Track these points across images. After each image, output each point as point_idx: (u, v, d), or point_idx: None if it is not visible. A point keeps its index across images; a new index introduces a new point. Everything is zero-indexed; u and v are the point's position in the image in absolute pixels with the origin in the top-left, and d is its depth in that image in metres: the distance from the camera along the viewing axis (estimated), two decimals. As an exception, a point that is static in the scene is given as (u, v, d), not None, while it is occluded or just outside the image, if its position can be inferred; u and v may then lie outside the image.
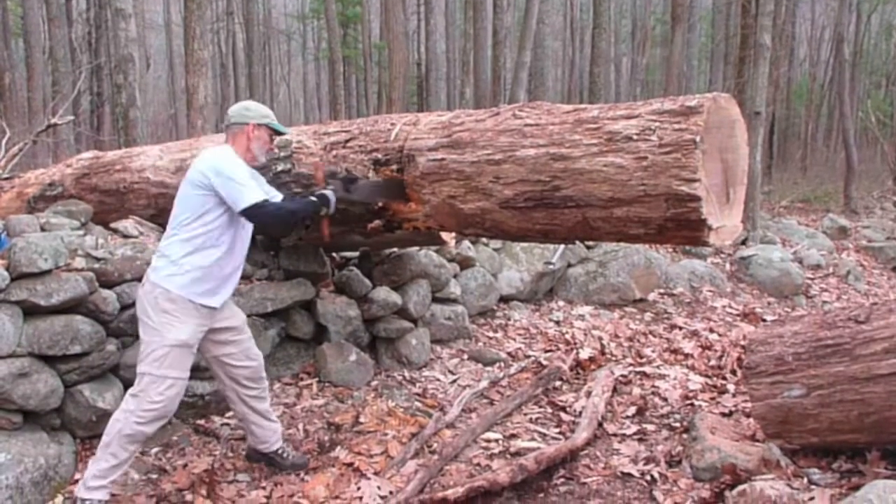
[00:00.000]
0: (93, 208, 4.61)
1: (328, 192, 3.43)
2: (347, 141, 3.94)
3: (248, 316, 4.21)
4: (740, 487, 3.01)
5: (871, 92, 27.03)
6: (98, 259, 3.78)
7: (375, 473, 3.56)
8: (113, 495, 3.22)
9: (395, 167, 3.69)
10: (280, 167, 4.03)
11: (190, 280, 3.12)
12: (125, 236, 4.29)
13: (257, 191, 3.20)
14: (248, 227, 3.37)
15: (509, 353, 5.53)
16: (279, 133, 3.51)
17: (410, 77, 21.04)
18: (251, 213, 3.16)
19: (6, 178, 5.81)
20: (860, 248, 10.81)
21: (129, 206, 4.76)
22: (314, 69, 33.05)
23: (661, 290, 7.50)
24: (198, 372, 3.70)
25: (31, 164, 8.99)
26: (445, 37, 28.44)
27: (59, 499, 3.26)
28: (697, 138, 2.70)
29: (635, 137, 2.85)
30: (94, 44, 16.36)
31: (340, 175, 3.67)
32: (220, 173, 3.13)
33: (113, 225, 4.42)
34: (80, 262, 3.68)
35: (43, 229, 4.04)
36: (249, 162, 3.35)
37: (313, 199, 3.40)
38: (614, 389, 4.71)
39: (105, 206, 4.84)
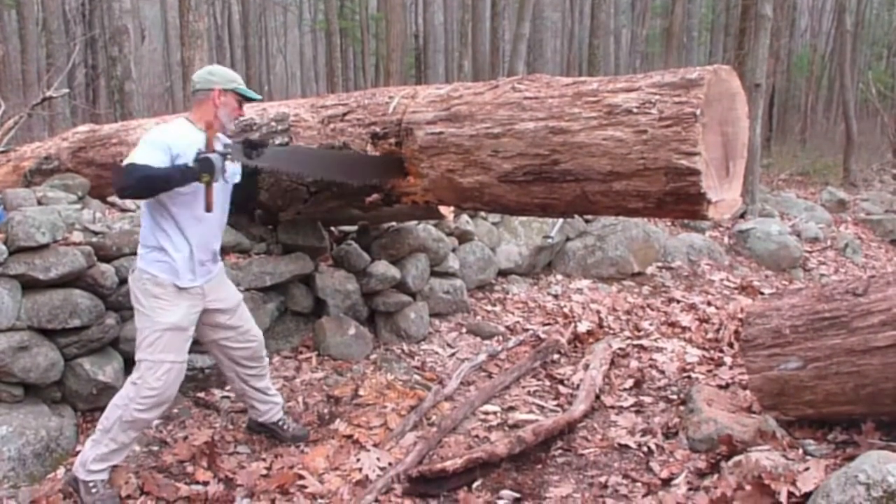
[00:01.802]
0: (90, 182, 4.60)
1: (213, 157, 2.93)
2: (345, 114, 3.91)
3: (247, 290, 4.22)
4: (736, 458, 3.04)
5: (872, 63, 26.86)
6: (96, 233, 3.77)
7: (375, 445, 3.59)
8: (116, 466, 3.25)
9: (393, 140, 3.67)
10: (278, 140, 4.01)
11: (169, 262, 3.05)
12: (123, 210, 4.29)
13: (142, 155, 2.89)
14: (218, 200, 3.13)
15: (508, 327, 5.55)
16: (248, 99, 3.28)
17: (408, 49, 20.86)
18: (119, 173, 2.87)
19: (2, 152, 5.79)
20: (858, 220, 10.81)
21: (127, 179, 4.74)
22: (311, 41, 32.74)
23: (660, 264, 7.51)
24: (197, 346, 3.72)
25: (27, 137, 8.94)
26: (443, 8, 28.19)
27: (61, 470, 3.28)
28: (698, 111, 2.68)
29: (635, 111, 2.83)
30: (87, 15, 16.16)
31: (243, 137, 3.32)
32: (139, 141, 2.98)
33: (110, 199, 4.41)
34: (77, 236, 3.68)
35: (40, 203, 4.03)
36: (217, 130, 3.10)
37: (190, 164, 2.93)
38: (612, 362, 4.74)
39: (102, 180, 4.82)
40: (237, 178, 3.30)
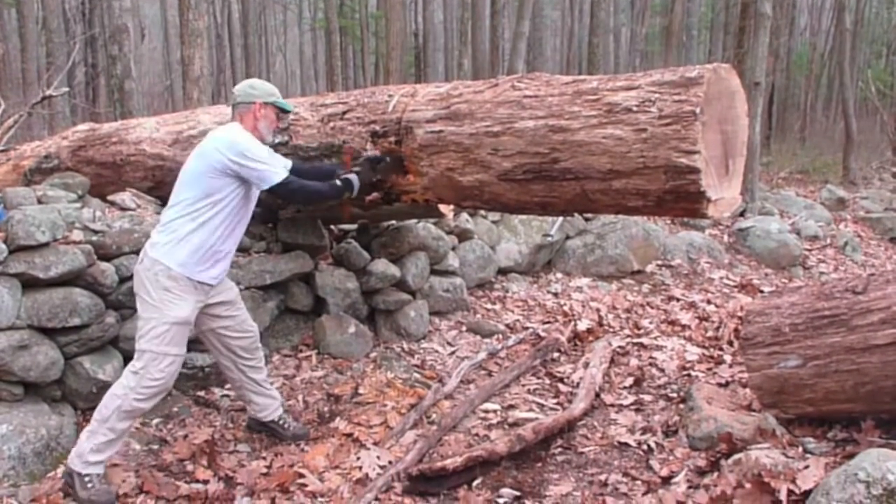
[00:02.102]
0: (90, 181, 4.58)
1: (352, 177, 3.50)
2: (345, 113, 3.91)
3: (247, 288, 4.23)
4: (736, 456, 3.04)
5: (871, 62, 26.83)
6: (96, 232, 3.78)
7: (375, 444, 3.59)
8: (115, 465, 3.26)
9: (392, 139, 3.67)
10: (277, 139, 4.01)
11: (192, 258, 3.10)
12: (123, 209, 4.28)
13: (280, 167, 3.25)
14: (250, 207, 3.36)
15: (507, 325, 5.55)
16: (285, 111, 3.48)
17: (408, 48, 20.85)
18: (278, 190, 3.23)
19: (2, 151, 5.78)
20: (858, 219, 10.80)
21: (127, 178, 4.74)
22: (311, 39, 32.71)
23: (659, 262, 7.51)
24: (197, 344, 3.72)
25: (27, 136, 8.93)
26: (443, 6, 28.19)
27: (61, 469, 3.28)
28: (697, 110, 2.69)
29: (635, 109, 2.83)
30: (87, 14, 16.13)
31: (367, 155, 3.68)
32: (243, 154, 3.12)
33: (110, 197, 4.40)
34: (77, 235, 3.68)
35: (40, 202, 4.02)
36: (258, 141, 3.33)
37: (339, 183, 3.48)
38: (612, 360, 4.74)
39: (102, 179, 4.82)
40: None
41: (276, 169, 3.21)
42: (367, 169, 3.61)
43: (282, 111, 3.45)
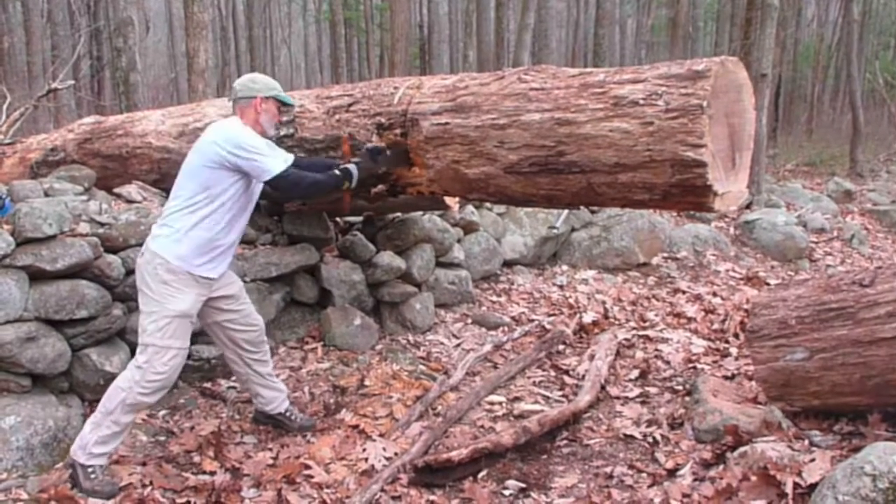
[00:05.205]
0: (96, 173, 4.60)
1: (351, 167, 3.46)
2: (350, 105, 3.91)
3: (253, 281, 4.24)
4: (742, 449, 3.04)
5: (879, 53, 26.66)
6: (102, 224, 3.78)
7: (381, 435, 3.60)
8: (122, 456, 3.27)
9: (398, 131, 3.67)
10: (283, 132, 4.01)
11: (191, 251, 3.10)
12: (129, 201, 4.30)
13: (279, 159, 3.20)
14: (252, 200, 3.35)
15: (513, 318, 5.55)
16: (287, 105, 3.46)
17: (413, 40, 20.80)
18: (276, 182, 3.18)
19: (8, 144, 5.79)
20: (865, 211, 10.76)
21: (132, 171, 4.75)
22: (315, 32, 32.66)
23: (665, 254, 7.50)
24: (204, 336, 3.73)
25: (33, 129, 8.95)
26: (448, -2, 28.06)
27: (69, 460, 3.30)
28: (704, 103, 2.67)
29: (641, 102, 2.82)
30: (92, 7, 16.16)
31: (368, 146, 3.64)
32: (241, 146, 3.11)
33: (116, 190, 4.42)
34: (84, 228, 3.69)
35: (46, 195, 4.04)
36: (259, 135, 3.31)
37: (337, 172, 3.43)
38: (617, 353, 4.74)
39: (108, 172, 4.83)
40: None
41: (276, 160, 3.18)
42: (366, 159, 3.57)
43: (283, 105, 3.43)
